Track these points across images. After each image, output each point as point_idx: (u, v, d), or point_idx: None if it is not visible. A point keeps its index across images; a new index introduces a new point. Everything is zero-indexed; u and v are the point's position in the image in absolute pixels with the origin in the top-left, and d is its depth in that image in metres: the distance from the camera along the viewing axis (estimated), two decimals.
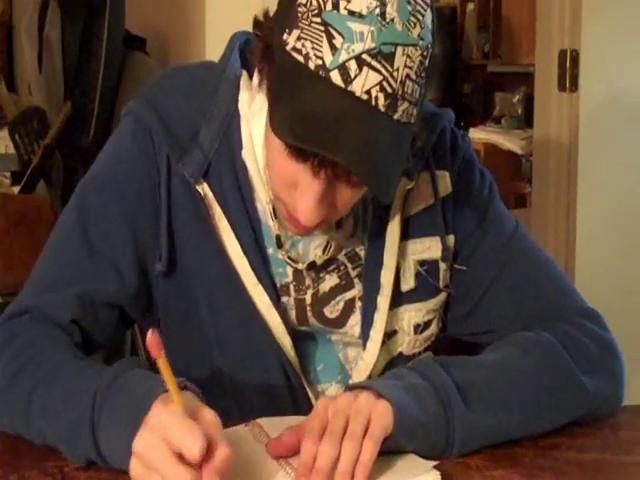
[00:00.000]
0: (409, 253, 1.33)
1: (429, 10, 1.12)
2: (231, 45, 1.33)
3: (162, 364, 0.99)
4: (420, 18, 1.10)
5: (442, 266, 1.35)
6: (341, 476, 1.02)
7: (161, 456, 0.97)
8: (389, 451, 1.09)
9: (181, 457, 0.97)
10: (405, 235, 1.33)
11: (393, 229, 1.31)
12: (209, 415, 1.02)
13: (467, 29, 5.96)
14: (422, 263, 1.34)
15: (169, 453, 0.97)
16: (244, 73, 1.30)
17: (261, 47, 1.17)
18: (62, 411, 1.11)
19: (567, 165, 2.92)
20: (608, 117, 2.88)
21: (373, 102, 1.07)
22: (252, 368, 1.30)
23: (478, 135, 5.03)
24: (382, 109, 1.08)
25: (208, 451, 0.97)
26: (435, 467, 1.09)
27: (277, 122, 1.10)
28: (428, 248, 1.34)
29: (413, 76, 1.10)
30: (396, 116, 1.10)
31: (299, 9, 1.10)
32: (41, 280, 1.30)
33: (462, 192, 1.37)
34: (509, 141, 4.81)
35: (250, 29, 1.21)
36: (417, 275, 1.34)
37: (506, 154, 4.82)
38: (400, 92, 1.09)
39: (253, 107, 1.28)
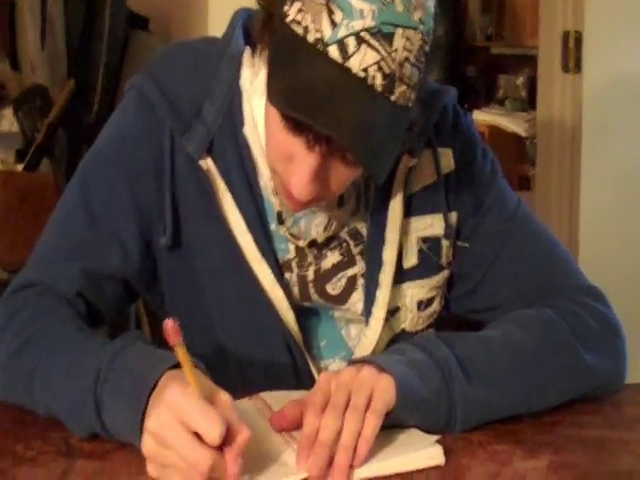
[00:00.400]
0: (411, 230, 1.33)
1: None
2: (234, 22, 1.33)
3: (180, 352, 0.99)
4: (422, 2, 1.10)
5: (445, 243, 1.35)
6: (343, 449, 1.02)
7: (179, 436, 0.96)
8: (391, 425, 1.09)
9: (198, 437, 0.97)
10: (407, 212, 1.33)
11: (395, 206, 1.31)
12: (225, 397, 1.02)
13: (470, 11, 5.94)
14: (425, 240, 1.34)
15: (186, 433, 0.96)
16: (247, 50, 1.30)
17: (262, 17, 1.17)
18: (66, 384, 1.11)
19: (571, 147, 2.92)
20: (612, 99, 2.88)
21: (370, 81, 1.07)
22: (255, 343, 1.30)
23: (482, 117, 5.02)
24: (379, 89, 1.07)
25: (227, 434, 0.97)
26: (437, 442, 1.09)
27: (273, 91, 1.11)
28: (430, 225, 1.34)
29: (412, 59, 1.09)
30: (393, 98, 1.09)
31: None
32: (45, 254, 1.30)
33: (464, 169, 1.37)
34: (513, 123, 4.80)
35: (253, 7, 1.21)
36: (420, 252, 1.34)
37: (510, 136, 4.81)
38: (398, 74, 1.08)
39: (255, 84, 1.27)
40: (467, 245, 1.36)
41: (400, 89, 1.09)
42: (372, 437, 1.04)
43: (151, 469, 1.01)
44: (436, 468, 1.05)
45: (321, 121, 1.07)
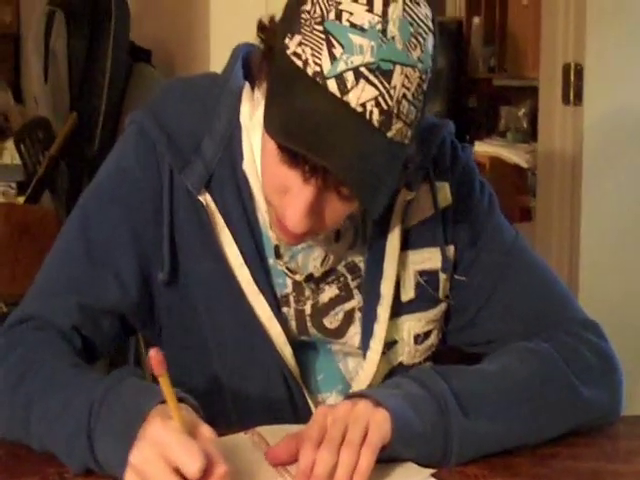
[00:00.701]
0: (409, 263, 1.34)
1: (431, 35, 1.13)
2: (234, 57, 1.34)
3: (164, 382, 0.99)
4: (421, 41, 1.11)
5: (442, 277, 1.35)
6: None
7: (159, 469, 0.97)
8: (387, 459, 1.09)
9: (178, 472, 0.97)
10: (405, 246, 1.33)
11: (393, 240, 1.31)
12: (207, 432, 1.02)
13: (473, 43, 5.97)
14: (422, 273, 1.34)
15: (167, 468, 0.97)
16: (246, 85, 1.31)
17: (263, 49, 1.18)
18: (59, 421, 1.12)
19: (571, 179, 2.92)
20: (612, 131, 2.88)
21: (367, 116, 1.08)
22: (253, 377, 1.30)
23: (483, 149, 5.03)
24: (376, 124, 1.08)
25: (207, 469, 0.97)
26: (432, 475, 1.09)
27: (271, 121, 1.11)
28: (428, 259, 1.34)
29: (410, 97, 1.10)
30: (390, 134, 1.10)
31: (303, 15, 1.10)
32: (43, 288, 1.31)
33: (462, 203, 1.37)
34: (514, 155, 4.81)
35: (254, 41, 1.22)
36: (417, 285, 1.34)
37: (512, 168, 4.82)
38: (395, 110, 1.09)
39: (254, 119, 1.28)
40: (464, 278, 1.37)
41: (397, 126, 1.10)
42: (367, 471, 1.04)
43: None
44: None
45: (317, 152, 1.08)
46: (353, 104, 1.07)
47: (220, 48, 2.70)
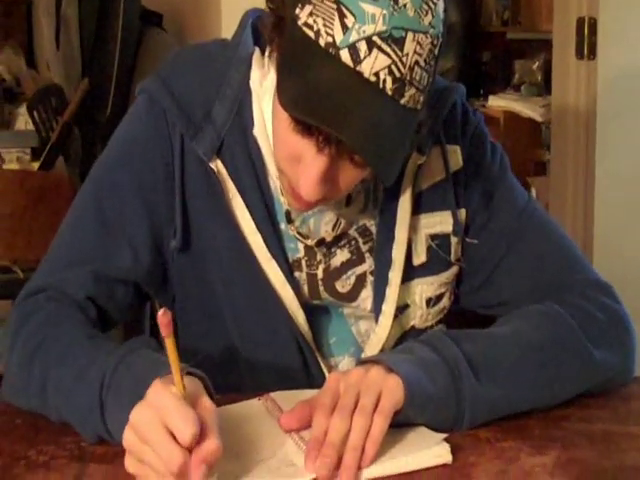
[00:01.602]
0: (420, 228, 1.34)
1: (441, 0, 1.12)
2: (244, 22, 1.34)
3: (169, 345, 0.99)
4: (432, 6, 1.10)
5: (453, 240, 1.35)
6: (351, 450, 1.03)
7: (155, 432, 0.97)
8: (400, 424, 1.10)
9: (174, 437, 0.97)
10: (416, 210, 1.33)
11: (404, 204, 1.32)
12: (207, 403, 1.02)
13: None
14: (433, 237, 1.35)
15: (163, 430, 0.97)
16: (256, 50, 1.30)
17: (272, 20, 1.18)
18: (74, 391, 1.13)
19: (585, 132, 2.92)
20: (626, 85, 2.87)
21: (381, 85, 1.08)
22: (266, 342, 1.31)
23: (497, 103, 4.99)
24: (389, 92, 1.08)
25: (201, 438, 0.97)
26: (445, 439, 1.10)
27: (284, 95, 1.11)
28: (439, 222, 1.35)
29: (422, 63, 1.10)
30: (402, 101, 1.10)
31: None
32: (57, 258, 1.32)
33: (473, 166, 1.37)
34: (529, 108, 4.78)
35: (264, 6, 1.22)
36: (429, 249, 1.34)
37: (526, 121, 4.78)
38: (408, 77, 1.09)
39: (265, 85, 1.28)
40: (476, 241, 1.37)
41: (410, 92, 1.10)
42: (380, 437, 1.05)
43: (129, 463, 1.01)
44: (444, 466, 1.06)
45: (331, 124, 1.07)
46: (366, 74, 1.07)
47: (231, 10, 2.69)
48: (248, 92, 1.30)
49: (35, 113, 3.68)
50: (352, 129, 1.07)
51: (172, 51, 1.41)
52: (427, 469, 1.05)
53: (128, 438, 1.00)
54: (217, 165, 1.28)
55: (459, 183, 1.36)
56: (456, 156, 1.36)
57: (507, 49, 5.77)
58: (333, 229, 1.31)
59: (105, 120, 3.69)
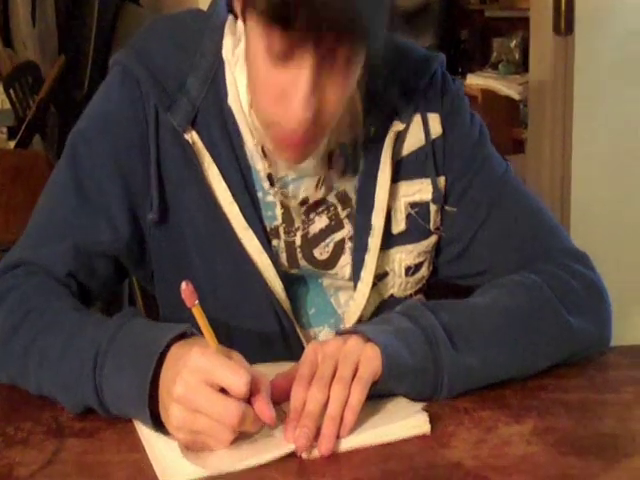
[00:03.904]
0: (400, 195, 1.34)
1: None
2: None
3: (197, 312, 1.02)
4: None
5: (433, 208, 1.35)
6: (330, 419, 1.03)
7: (206, 395, 1.00)
8: (378, 394, 1.10)
9: (224, 394, 1.00)
10: (396, 177, 1.33)
11: (384, 171, 1.32)
12: (238, 355, 1.05)
13: None
14: (413, 205, 1.35)
15: (213, 391, 1.00)
16: (229, 18, 1.30)
17: None
18: (62, 359, 1.12)
19: (562, 109, 2.92)
20: (603, 60, 2.87)
21: None
22: (245, 313, 1.31)
23: (476, 81, 5.00)
24: None
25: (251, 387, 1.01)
26: (423, 409, 1.10)
27: None
28: (419, 190, 1.35)
29: None
30: None
31: None
32: (35, 233, 1.31)
33: (452, 134, 1.37)
34: (507, 87, 4.78)
35: None
36: (408, 217, 1.35)
37: (504, 100, 4.79)
38: None
39: (237, 52, 1.27)
40: (455, 209, 1.37)
41: None
42: (358, 407, 1.05)
43: (182, 438, 1.02)
44: (422, 436, 1.06)
45: (304, 14, 1.03)
46: None
47: None
48: (222, 62, 1.29)
49: (11, 91, 3.66)
50: (328, 11, 1.03)
51: (145, 22, 1.40)
52: (406, 439, 1.06)
53: (176, 415, 1.01)
54: (192, 136, 1.28)
55: (438, 151, 1.36)
56: (435, 124, 1.36)
57: (485, 27, 5.77)
58: (316, 189, 1.31)
59: (82, 97, 3.68)
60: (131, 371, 1.06)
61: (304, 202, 1.31)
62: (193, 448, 1.02)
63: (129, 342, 1.09)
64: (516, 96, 4.66)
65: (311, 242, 1.33)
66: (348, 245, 1.34)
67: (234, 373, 1.00)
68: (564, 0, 2.86)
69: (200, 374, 1.00)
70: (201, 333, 1.04)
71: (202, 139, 1.28)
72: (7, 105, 3.66)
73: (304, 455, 1.02)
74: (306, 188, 1.31)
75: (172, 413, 1.01)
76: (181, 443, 1.03)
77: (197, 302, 1.02)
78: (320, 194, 1.32)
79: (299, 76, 1.10)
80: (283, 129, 1.16)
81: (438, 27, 5.53)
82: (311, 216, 1.33)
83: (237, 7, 1.17)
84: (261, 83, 1.16)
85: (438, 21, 5.53)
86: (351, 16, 1.06)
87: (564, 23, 2.88)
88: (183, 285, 1.00)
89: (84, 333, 1.13)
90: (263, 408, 1.02)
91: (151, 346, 1.06)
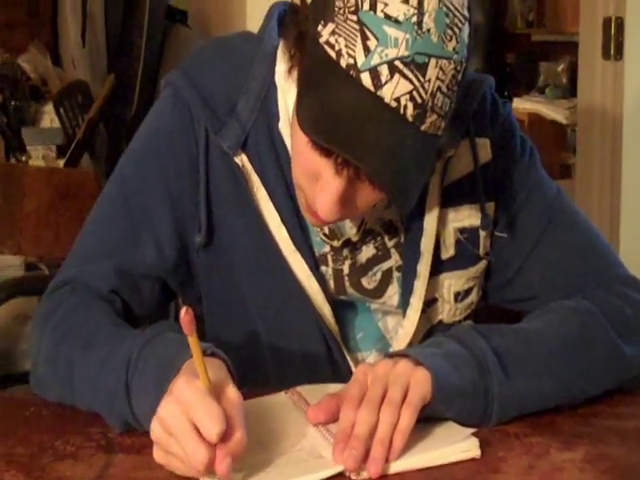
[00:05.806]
0: (449, 221, 1.33)
1: (467, 24, 1.10)
2: (270, 15, 1.33)
3: (192, 342, 0.99)
4: (457, 32, 1.09)
5: (482, 234, 1.34)
6: (379, 443, 1.02)
7: (181, 427, 0.97)
8: (427, 418, 1.09)
9: (199, 432, 0.97)
10: (445, 203, 1.32)
11: (433, 197, 1.31)
12: (232, 394, 1.02)
13: None
14: (462, 231, 1.34)
15: (189, 426, 0.97)
16: (281, 43, 1.30)
17: (295, 34, 1.17)
18: (100, 376, 1.13)
19: (612, 135, 2.90)
20: None
21: (402, 111, 1.06)
22: (292, 337, 1.31)
23: (522, 105, 4.99)
24: (410, 119, 1.07)
25: (226, 431, 0.97)
26: (473, 434, 1.09)
27: (303, 116, 1.10)
28: (468, 216, 1.34)
29: (444, 89, 1.09)
30: (423, 127, 1.08)
31: (337, 3, 1.08)
32: (82, 252, 1.32)
33: (502, 159, 1.36)
34: (554, 111, 4.77)
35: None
36: (457, 243, 1.34)
37: (551, 124, 4.78)
38: (430, 104, 1.08)
39: (290, 79, 1.27)
40: (505, 235, 1.36)
41: (431, 119, 1.09)
42: (408, 430, 1.04)
43: (157, 454, 1.02)
44: (472, 460, 1.05)
45: (349, 151, 1.07)
46: (387, 99, 1.06)
47: (256, 7, 2.69)
48: (273, 86, 1.29)
49: (61, 110, 3.70)
50: (371, 156, 1.06)
51: (196, 45, 1.41)
52: (455, 463, 1.05)
53: (155, 430, 1.00)
54: (242, 159, 1.28)
55: (488, 176, 1.35)
56: (485, 148, 1.35)
57: (532, 51, 5.76)
58: (358, 231, 1.31)
59: (130, 116, 3.71)
60: (151, 388, 1.06)
61: (347, 243, 1.31)
62: (167, 467, 1.01)
63: (154, 358, 1.09)
64: (563, 120, 4.64)
65: (359, 271, 1.33)
66: (396, 275, 1.33)
67: (210, 418, 0.96)
68: (614, 25, 2.85)
69: (180, 405, 0.98)
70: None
71: (252, 162, 1.28)
72: (57, 124, 3.69)
73: (353, 476, 1.01)
74: (350, 227, 1.30)
75: (153, 427, 1.01)
76: (156, 458, 1.02)
77: (194, 331, 0.98)
78: (364, 231, 1.31)
79: (331, 183, 1.12)
80: (311, 202, 1.17)
81: (484, 51, 5.53)
82: (358, 245, 1.32)
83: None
84: (298, 155, 1.17)
85: (484, 45, 5.53)
86: (393, 176, 1.09)
87: (614, 48, 2.87)
88: (182, 312, 0.97)
89: (119, 349, 1.13)
90: (217, 463, 0.97)
91: (170, 363, 1.05)
